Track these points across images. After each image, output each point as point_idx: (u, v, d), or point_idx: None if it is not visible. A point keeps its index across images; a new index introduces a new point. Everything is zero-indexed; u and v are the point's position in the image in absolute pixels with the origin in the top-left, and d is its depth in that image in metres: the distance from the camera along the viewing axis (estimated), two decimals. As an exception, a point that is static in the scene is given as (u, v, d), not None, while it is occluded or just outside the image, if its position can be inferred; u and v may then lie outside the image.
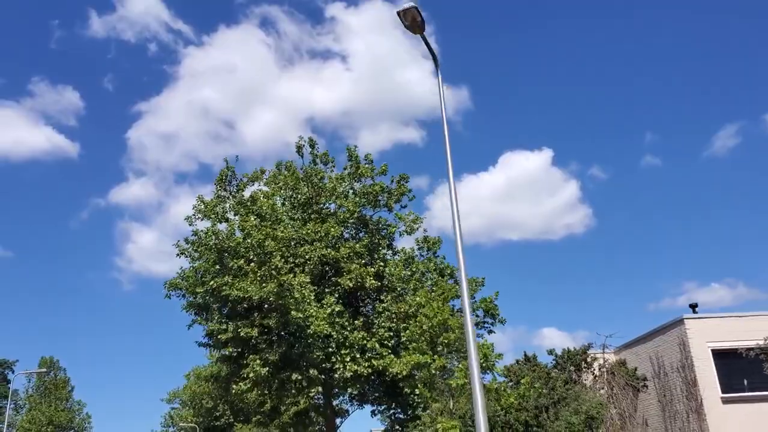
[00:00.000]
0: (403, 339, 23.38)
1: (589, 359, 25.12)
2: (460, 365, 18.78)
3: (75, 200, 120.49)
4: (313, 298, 25.31)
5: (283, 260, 25.04)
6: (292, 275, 24.60)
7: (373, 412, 36.11)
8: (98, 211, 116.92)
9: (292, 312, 24.24)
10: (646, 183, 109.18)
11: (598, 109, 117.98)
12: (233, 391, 25.78)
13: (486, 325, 28.49)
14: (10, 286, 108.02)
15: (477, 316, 28.02)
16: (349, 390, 26.14)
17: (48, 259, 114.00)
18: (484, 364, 18.56)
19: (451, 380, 19.07)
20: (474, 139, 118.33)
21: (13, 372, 72.40)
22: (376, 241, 29.84)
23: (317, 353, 25.02)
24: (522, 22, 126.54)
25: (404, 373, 24.49)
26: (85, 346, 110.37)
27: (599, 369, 25.06)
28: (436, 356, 19.62)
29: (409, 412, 37.81)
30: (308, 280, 25.12)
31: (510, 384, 22.78)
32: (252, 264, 25.24)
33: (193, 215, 27.88)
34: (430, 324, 20.21)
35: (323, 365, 25.67)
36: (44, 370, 35.28)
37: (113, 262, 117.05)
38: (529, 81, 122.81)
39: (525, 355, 25.90)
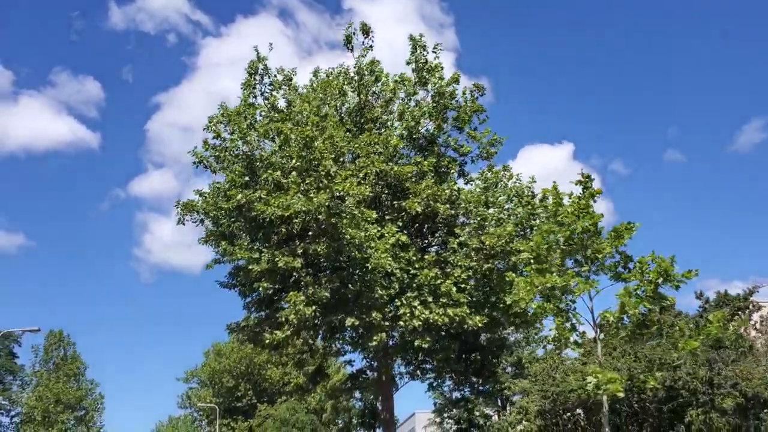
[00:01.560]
0: (518, 261, 17.21)
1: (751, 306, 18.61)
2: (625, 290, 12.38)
3: (96, 191, 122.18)
4: (374, 217, 19.05)
5: (336, 165, 18.77)
6: (348, 184, 18.30)
7: (431, 386, 29.93)
8: (118, 201, 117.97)
9: (350, 231, 17.98)
10: (668, 178, 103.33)
11: (620, 103, 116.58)
12: (266, 341, 19.54)
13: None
14: (31, 275, 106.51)
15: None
16: (417, 342, 19.71)
17: (68, 249, 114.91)
18: (663, 284, 12.17)
19: (607, 313, 12.72)
20: (495, 131, 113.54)
21: (20, 346, 67.25)
22: (444, 164, 23.53)
23: (380, 292, 18.77)
24: (544, 15, 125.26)
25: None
26: (101, 333, 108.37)
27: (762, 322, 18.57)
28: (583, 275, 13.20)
29: (493, 385, 31.56)
30: (369, 192, 18.83)
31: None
32: (293, 174, 19.02)
33: (214, 125, 21.63)
34: (566, 232, 13.77)
35: (386, 309, 19.43)
36: (36, 328, 29.24)
37: (132, 253, 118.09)
38: (550, 74, 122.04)
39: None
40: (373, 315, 18.62)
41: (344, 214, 18.06)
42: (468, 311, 19.69)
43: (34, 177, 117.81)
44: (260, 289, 19.08)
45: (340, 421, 37.28)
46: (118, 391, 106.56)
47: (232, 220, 19.96)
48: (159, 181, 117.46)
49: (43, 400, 61.31)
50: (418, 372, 25.39)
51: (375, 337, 18.79)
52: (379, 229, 19.30)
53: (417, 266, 20.31)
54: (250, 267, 18.89)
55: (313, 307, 18.35)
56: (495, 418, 36.43)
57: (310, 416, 53.71)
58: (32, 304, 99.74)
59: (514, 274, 17.13)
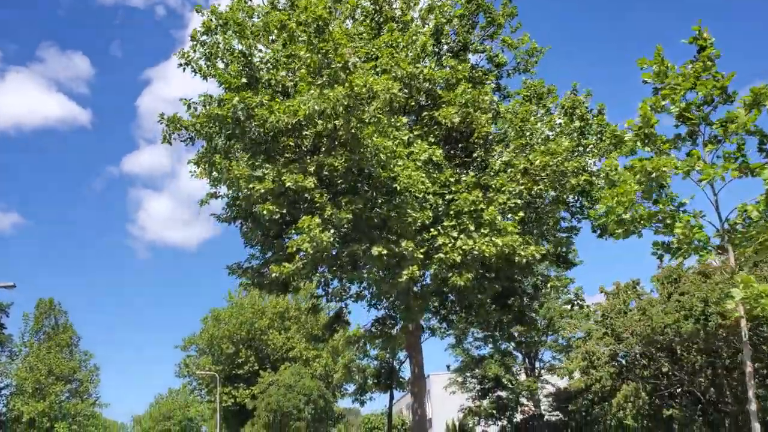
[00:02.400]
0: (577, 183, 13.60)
1: None
2: None
3: (89, 168, 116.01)
4: (405, 122, 15.38)
5: (356, 57, 15.00)
6: (371, 79, 14.54)
7: (457, 340, 26.56)
8: (111, 178, 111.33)
9: (374, 141, 14.34)
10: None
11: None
12: (272, 274, 15.98)
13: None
14: (25, 253, 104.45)
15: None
16: (454, 280, 16.12)
17: (63, 227, 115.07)
18: None
19: (749, 206, 9.11)
20: None
21: (8, 316, 63.83)
22: (478, 75, 19.82)
23: (413, 214, 15.18)
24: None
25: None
26: (98, 311, 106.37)
27: None
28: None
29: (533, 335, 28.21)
30: (398, 90, 15.11)
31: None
32: (302, 71, 15.26)
33: (200, 33, 17.68)
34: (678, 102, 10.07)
35: (420, 237, 15.87)
36: (11, 284, 25.71)
37: (126, 230, 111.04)
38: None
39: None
40: (404, 244, 15.01)
41: (367, 117, 14.35)
42: (519, 240, 16.14)
43: (26, 155, 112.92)
44: (264, 214, 15.37)
45: (352, 385, 34.02)
46: (117, 367, 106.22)
47: (227, 133, 16.22)
48: (151, 158, 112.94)
49: (34, 371, 58.20)
50: (445, 324, 21.98)
51: (405, 272, 15.20)
52: (409, 141, 15.64)
53: (454, 189, 16.70)
54: (251, 186, 15.20)
55: (331, 232, 14.74)
56: (522, 377, 33.28)
57: (316, 381, 50.67)
58: (27, 282, 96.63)
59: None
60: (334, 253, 15.82)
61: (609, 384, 25.21)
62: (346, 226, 15.08)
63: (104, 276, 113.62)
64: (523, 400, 32.23)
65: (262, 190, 15.23)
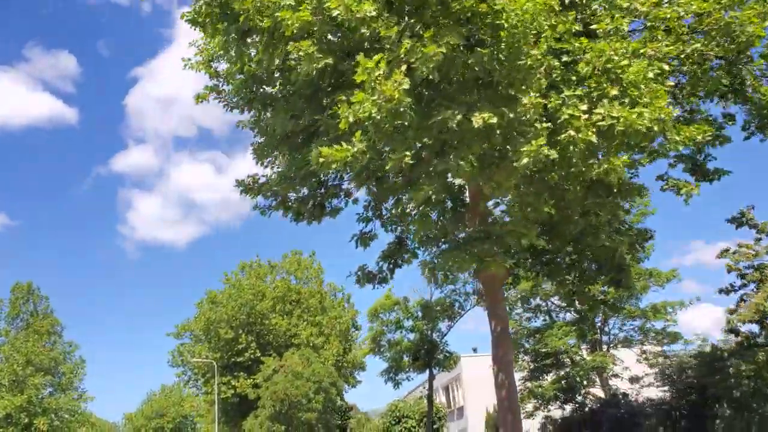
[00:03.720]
0: None
1: None
2: None
3: (77, 168, 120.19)
4: None
5: None
6: None
7: (524, 299, 21.11)
8: (100, 178, 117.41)
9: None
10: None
11: None
12: (310, 168, 10.36)
13: None
14: (14, 255, 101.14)
15: None
16: (595, 168, 10.57)
17: (52, 228, 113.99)
18: None
19: None
20: None
21: (-18, 302, 57.92)
22: None
23: (532, 53, 9.64)
24: None
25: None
26: (88, 311, 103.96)
27: None
28: None
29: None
30: None
31: None
32: None
33: None
34: None
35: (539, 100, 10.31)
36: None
37: (116, 230, 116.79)
38: None
39: None
40: (526, 101, 9.47)
41: None
42: (673, 114, 10.67)
43: (13, 155, 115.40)
44: (301, 64, 9.79)
45: (383, 358, 28.34)
46: (108, 366, 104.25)
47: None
48: (140, 157, 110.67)
49: (9, 361, 52.30)
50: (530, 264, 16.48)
51: (526, 148, 9.63)
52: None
53: (577, 45, 11.16)
54: (279, 17, 9.58)
55: (407, 82, 9.15)
56: (584, 355, 27.81)
57: (327, 367, 45.10)
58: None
59: None
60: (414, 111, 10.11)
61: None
62: (430, 76, 9.47)
63: (95, 276, 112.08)
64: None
65: (297, 24, 9.62)
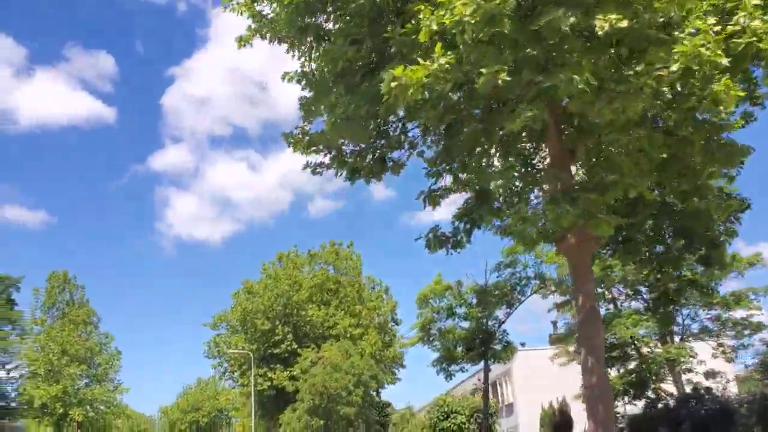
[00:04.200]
0: None
1: None
2: None
3: (115, 166, 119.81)
4: None
5: None
6: None
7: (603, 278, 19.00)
8: (137, 177, 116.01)
9: None
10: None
11: None
12: (391, 89, 8.32)
13: None
14: (53, 251, 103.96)
15: None
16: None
17: (92, 225, 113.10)
18: None
19: None
20: None
21: (18, 291, 57.48)
22: None
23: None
24: None
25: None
26: (126, 305, 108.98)
27: None
28: None
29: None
30: None
31: None
32: None
33: None
34: None
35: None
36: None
37: (154, 227, 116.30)
38: None
39: None
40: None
41: None
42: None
43: (53, 153, 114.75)
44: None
45: (433, 347, 26.06)
46: (145, 360, 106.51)
47: None
48: (176, 156, 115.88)
49: (45, 351, 51.75)
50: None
51: (678, 51, 7.45)
52: None
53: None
54: None
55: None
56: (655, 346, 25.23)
57: (367, 360, 43.24)
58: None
59: None
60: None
61: None
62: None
63: (132, 272, 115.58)
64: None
65: None
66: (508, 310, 26.13)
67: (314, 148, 12.17)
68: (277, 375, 47.81)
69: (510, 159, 10.82)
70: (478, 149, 11.07)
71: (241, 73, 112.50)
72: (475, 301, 26.13)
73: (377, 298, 52.86)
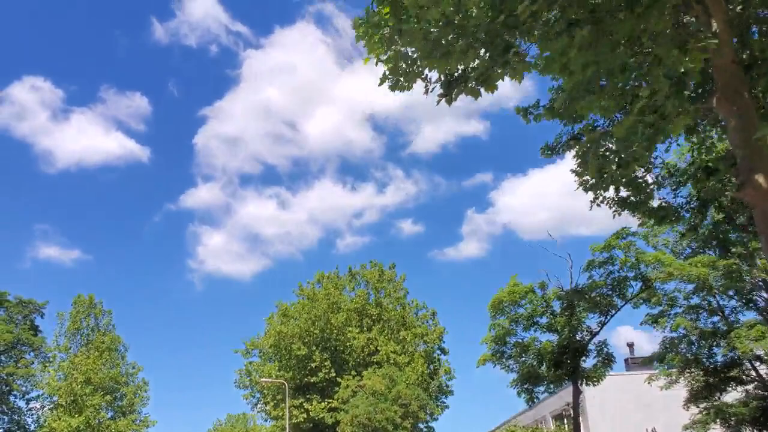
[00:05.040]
0: None
1: None
2: None
3: (148, 205, 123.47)
4: None
5: None
6: None
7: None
8: (170, 215, 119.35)
9: None
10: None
11: None
12: None
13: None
14: (89, 289, 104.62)
15: None
16: None
17: (125, 262, 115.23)
18: None
19: None
20: (541, 131, 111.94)
21: (42, 317, 54.78)
22: None
23: None
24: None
25: None
26: (159, 341, 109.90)
27: None
28: None
29: None
30: None
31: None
32: None
33: None
34: None
35: None
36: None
37: (186, 264, 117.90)
38: None
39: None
40: None
41: None
42: None
43: (88, 192, 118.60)
44: None
45: (505, 367, 21.62)
46: (175, 396, 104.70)
47: None
48: (208, 194, 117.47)
49: (68, 379, 48.41)
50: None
51: None
52: None
53: None
54: None
55: None
56: None
57: (415, 389, 38.94)
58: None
59: None
60: None
61: None
62: None
63: (165, 309, 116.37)
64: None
65: None
66: (603, 318, 21.65)
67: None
68: (314, 406, 43.65)
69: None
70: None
71: (270, 112, 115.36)
72: (559, 308, 21.80)
73: (422, 320, 48.65)
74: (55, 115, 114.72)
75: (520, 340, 22.36)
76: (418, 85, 8.82)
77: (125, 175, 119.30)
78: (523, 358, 21.84)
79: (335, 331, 45.70)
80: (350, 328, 45.53)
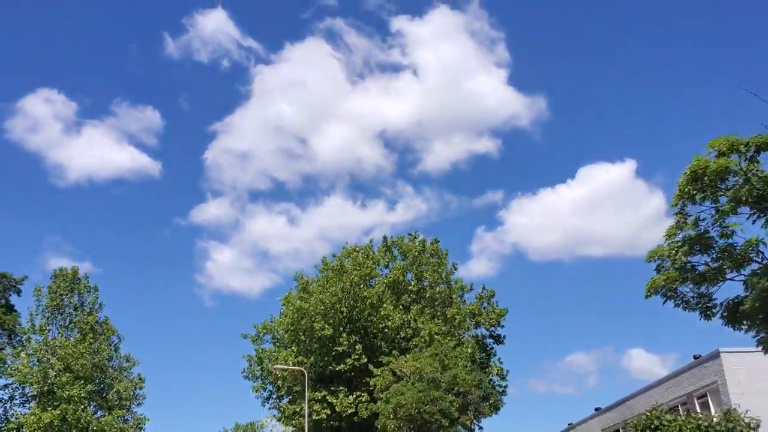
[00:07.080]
0: None
1: None
2: None
3: (158, 219, 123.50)
4: None
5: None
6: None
7: None
8: (179, 230, 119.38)
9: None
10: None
11: (685, 115, 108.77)
12: None
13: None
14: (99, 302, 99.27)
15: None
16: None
17: (134, 276, 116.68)
18: None
19: None
20: (551, 151, 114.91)
21: (19, 295, 46.44)
22: None
23: None
24: (601, 26, 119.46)
25: None
26: (167, 355, 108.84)
27: None
28: None
29: None
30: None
31: None
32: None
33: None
34: None
35: None
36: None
37: (195, 279, 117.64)
38: (609, 87, 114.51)
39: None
40: None
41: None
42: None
43: (99, 206, 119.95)
44: None
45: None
46: (184, 411, 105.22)
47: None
48: (217, 210, 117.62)
49: (42, 365, 40.00)
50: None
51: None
52: None
53: None
54: None
55: None
56: None
57: (476, 374, 30.14)
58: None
59: None
60: None
61: None
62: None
63: (173, 323, 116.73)
64: None
65: None
66: None
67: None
68: (340, 400, 34.91)
69: None
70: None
71: (281, 128, 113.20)
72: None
73: (477, 304, 39.87)
74: (68, 127, 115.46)
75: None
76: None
77: (136, 189, 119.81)
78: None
79: (367, 309, 37.06)
80: (385, 305, 36.86)
